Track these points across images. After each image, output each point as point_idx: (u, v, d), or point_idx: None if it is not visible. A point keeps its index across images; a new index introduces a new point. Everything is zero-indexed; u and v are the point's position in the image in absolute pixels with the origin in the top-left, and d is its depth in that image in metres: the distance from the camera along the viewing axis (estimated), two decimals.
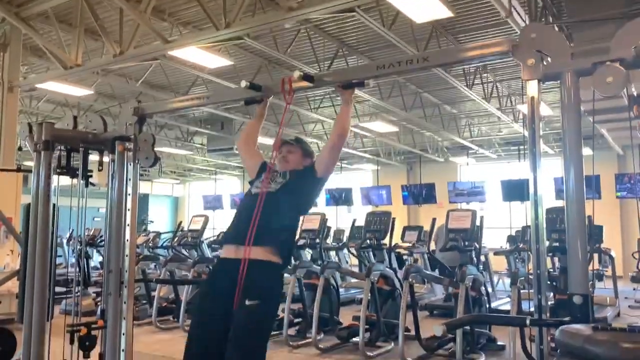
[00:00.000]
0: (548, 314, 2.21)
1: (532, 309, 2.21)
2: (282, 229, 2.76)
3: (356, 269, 8.30)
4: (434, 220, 7.28)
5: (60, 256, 10.71)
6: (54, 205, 3.05)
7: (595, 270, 8.46)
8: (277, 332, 6.01)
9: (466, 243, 5.83)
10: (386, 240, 6.63)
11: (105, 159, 3.22)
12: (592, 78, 2.10)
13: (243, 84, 2.95)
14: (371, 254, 7.16)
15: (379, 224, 6.71)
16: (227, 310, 2.59)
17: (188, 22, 8.27)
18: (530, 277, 2.29)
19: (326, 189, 15.99)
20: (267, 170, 2.95)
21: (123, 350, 3.08)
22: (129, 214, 3.17)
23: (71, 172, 3.14)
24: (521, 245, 8.30)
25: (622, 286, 8.88)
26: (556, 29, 6.87)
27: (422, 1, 6.23)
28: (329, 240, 10.60)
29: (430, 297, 8.34)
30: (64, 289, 7.28)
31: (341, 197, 16.94)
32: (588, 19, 6.27)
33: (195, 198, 23.01)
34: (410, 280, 5.20)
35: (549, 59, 2.25)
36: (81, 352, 2.96)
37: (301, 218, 4.29)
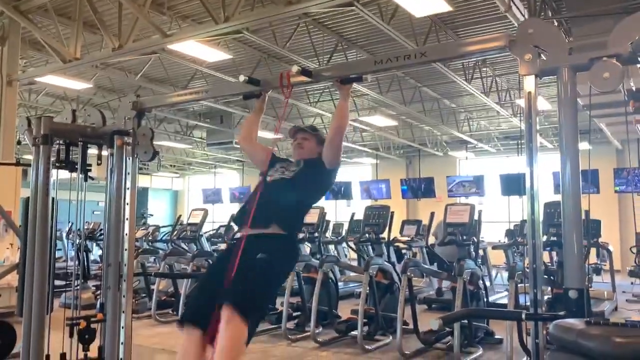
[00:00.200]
0: (544, 308, 2.23)
1: (528, 303, 2.23)
2: (293, 213, 2.93)
3: (355, 263, 8.31)
4: (432, 214, 7.29)
5: (60, 250, 10.73)
6: (53, 199, 3.06)
7: (593, 264, 8.49)
8: (276, 325, 6.05)
9: (464, 237, 5.84)
10: (385, 234, 6.64)
11: (104, 153, 3.23)
12: (589, 74, 2.11)
13: (242, 78, 2.96)
14: (370, 247, 7.18)
15: (377, 218, 6.72)
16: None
17: (187, 16, 8.25)
18: (528, 271, 2.30)
19: None
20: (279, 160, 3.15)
21: (122, 343, 3.10)
22: (127, 208, 3.18)
23: (70, 166, 3.15)
24: (519, 240, 8.31)
25: (619, 280, 8.92)
26: (555, 23, 6.87)
27: None
28: (328, 234, 10.61)
29: (428, 291, 8.36)
30: (63, 283, 7.29)
31: (340, 191, 16.94)
32: (587, 14, 6.26)
33: (195, 192, 23.01)
34: (409, 274, 5.22)
35: (546, 54, 2.26)
36: (81, 346, 2.98)
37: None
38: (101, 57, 8.54)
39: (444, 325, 2.16)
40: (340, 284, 7.83)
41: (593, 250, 8.57)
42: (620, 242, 13.27)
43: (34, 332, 2.96)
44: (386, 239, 6.70)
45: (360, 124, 13.71)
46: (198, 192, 20.97)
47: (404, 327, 5.11)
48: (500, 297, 7.91)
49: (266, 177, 3.03)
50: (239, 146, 14.31)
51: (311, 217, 6.97)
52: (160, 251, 8.34)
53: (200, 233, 8.56)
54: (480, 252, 7.98)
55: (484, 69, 10.40)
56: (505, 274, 7.75)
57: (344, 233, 10.70)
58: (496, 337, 5.55)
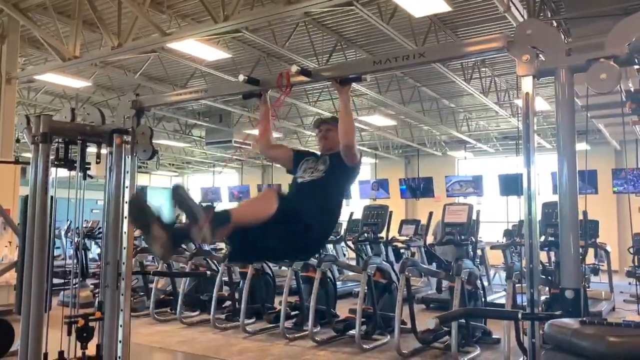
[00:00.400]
0: (541, 308, 2.24)
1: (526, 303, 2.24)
2: (326, 212, 2.93)
3: (353, 262, 8.32)
4: (430, 214, 7.30)
5: (58, 248, 10.69)
6: (52, 197, 3.07)
7: (591, 264, 8.50)
8: (274, 324, 6.06)
9: (462, 237, 5.85)
10: (383, 234, 6.65)
11: (103, 151, 3.24)
12: (586, 75, 2.12)
13: (241, 77, 2.96)
14: (368, 247, 7.18)
15: (376, 217, 6.74)
16: None
17: (186, 15, 8.25)
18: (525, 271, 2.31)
19: None
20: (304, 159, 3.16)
21: (120, 341, 3.11)
22: (126, 206, 3.19)
23: (69, 164, 3.16)
24: (517, 240, 8.32)
25: (617, 281, 8.94)
26: (554, 24, 6.87)
27: None
28: None
29: (426, 290, 8.37)
30: (61, 281, 7.27)
31: None
32: (586, 15, 6.27)
33: (194, 190, 22.99)
34: (407, 273, 5.23)
35: (544, 55, 2.27)
36: (79, 344, 2.99)
37: None
38: (100, 55, 8.54)
39: (441, 324, 2.17)
40: (338, 283, 7.84)
41: (591, 251, 8.58)
42: (618, 242, 13.28)
43: (32, 330, 2.96)
44: (384, 239, 6.72)
45: (359, 124, 13.70)
46: (197, 191, 20.95)
47: (401, 326, 5.12)
48: (499, 297, 7.92)
49: (297, 179, 3.05)
50: (238, 145, 14.38)
51: None
52: None
53: None
54: (479, 252, 7.99)
55: (483, 69, 10.40)
56: (504, 274, 7.78)
57: (342, 232, 10.70)
58: (494, 336, 5.56)
